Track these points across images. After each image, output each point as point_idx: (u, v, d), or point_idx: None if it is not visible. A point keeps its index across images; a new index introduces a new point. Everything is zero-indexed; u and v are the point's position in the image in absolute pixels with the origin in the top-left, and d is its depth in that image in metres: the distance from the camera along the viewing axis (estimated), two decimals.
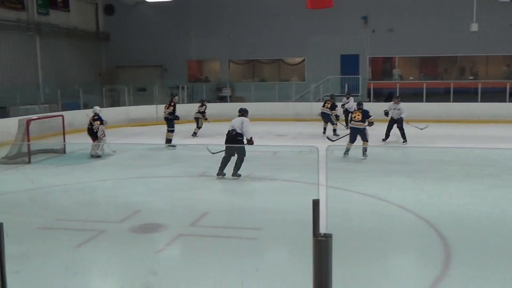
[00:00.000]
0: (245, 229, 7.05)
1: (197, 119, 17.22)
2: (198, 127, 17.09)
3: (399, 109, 14.71)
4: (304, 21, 25.09)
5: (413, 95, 22.53)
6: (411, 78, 25.54)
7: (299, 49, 26.06)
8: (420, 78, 25.10)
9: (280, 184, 9.95)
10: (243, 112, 10.62)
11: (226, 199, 8.96)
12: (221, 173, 9.99)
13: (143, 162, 12.53)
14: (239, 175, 9.97)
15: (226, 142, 10.31)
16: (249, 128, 10.30)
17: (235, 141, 10.12)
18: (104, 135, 13.27)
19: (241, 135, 10.19)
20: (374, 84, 24.38)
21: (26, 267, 5.70)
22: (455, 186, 9.55)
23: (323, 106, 17.05)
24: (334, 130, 16.56)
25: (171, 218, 7.59)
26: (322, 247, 2.15)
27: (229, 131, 10.35)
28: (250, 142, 10.29)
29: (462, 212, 7.81)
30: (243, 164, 10.00)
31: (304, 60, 26.62)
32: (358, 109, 12.82)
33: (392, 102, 15.13)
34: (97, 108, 13.73)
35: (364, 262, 5.81)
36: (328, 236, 2.16)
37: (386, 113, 15.00)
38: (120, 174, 10.99)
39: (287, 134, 17.81)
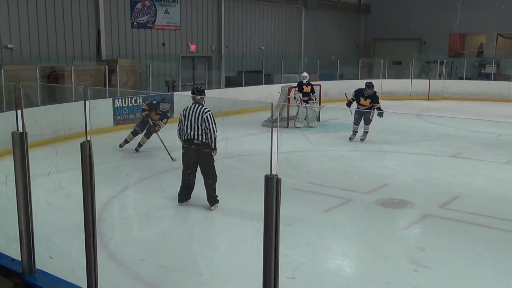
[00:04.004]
0: (501, 220, 6.44)
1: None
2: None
3: None
4: None
5: None
6: None
7: None
8: None
9: None
10: None
11: (481, 184, 8.28)
12: None
13: (393, 136, 12.39)
14: None
15: None
16: None
17: None
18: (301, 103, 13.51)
19: None
20: None
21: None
22: None
23: None
24: None
25: (418, 197, 7.37)
26: None
27: None
28: None
29: None
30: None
31: None
32: None
33: None
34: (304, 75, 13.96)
35: None
36: None
37: None
38: (368, 147, 11.08)
39: None
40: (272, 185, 2.36)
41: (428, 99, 20.83)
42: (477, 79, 22.49)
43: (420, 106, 18.73)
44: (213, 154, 6.61)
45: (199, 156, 6.58)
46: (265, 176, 2.39)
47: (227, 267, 5.04)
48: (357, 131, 11.60)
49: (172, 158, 8.99)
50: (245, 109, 15.62)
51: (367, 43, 28.05)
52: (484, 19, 24.29)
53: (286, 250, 5.11)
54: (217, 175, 6.61)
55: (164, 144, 9.43)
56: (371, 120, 11.50)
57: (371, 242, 5.75)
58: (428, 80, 21.46)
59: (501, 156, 10.08)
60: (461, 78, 22.51)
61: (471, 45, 26.90)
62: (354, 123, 11.65)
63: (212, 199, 6.59)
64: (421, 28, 25.86)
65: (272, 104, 2.96)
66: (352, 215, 6.64)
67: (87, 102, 3.36)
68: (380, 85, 21.21)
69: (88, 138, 2.97)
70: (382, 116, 11.27)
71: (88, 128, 3.17)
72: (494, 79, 22.23)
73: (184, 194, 6.74)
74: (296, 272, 4.71)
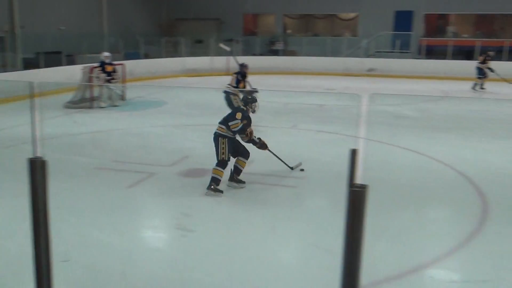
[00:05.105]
0: (288, 178, 6.98)
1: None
2: None
3: None
4: None
5: (466, 53, 21.41)
6: (465, 35, 24.21)
7: (353, 4, 25.12)
8: (475, 36, 23.73)
9: (324, 136, 9.78)
10: None
11: (272, 147, 8.86)
12: None
13: (195, 110, 12.60)
14: None
15: None
16: None
17: None
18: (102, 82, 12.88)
19: None
20: (426, 41, 23.28)
21: (80, 203, 5.90)
22: (499, 144, 9.09)
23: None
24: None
25: None
26: (357, 197, 2.03)
27: None
28: None
29: (504, 170, 7.43)
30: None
31: (357, 15, 25.67)
32: None
33: None
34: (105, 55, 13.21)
35: (400, 214, 5.66)
36: (363, 187, 2.03)
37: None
38: (172, 121, 11.10)
39: (335, 88, 17.39)
40: (36, 169, 2.15)
41: (228, 74, 21.59)
42: (268, 55, 23.98)
43: (220, 81, 19.29)
44: None
45: None
46: (28, 160, 2.16)
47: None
48: None
49: (290, 167, 7.21)
50: (47, 91, 14.41)
51: (169, 23, 27.91)
52: (273, 1, 25.90)
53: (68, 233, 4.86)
54: None
55: (281, 159, 7.27)
56: None
57: (169, 213, 5.75)
58: (227, 57, 22.21)
59: (288, 122, 10.91)
60: (255, 55, 23.79)
61: (262, 24, 28.50)
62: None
63: None
64: (218, 9, 26.60)
65: (31, 84, 2.57)
66: (155, 188, 6.58)
67: None
68: (183, 63, 21.39)
69: None
70: None
71: None
72: (283, 55, 23.96)
73: None
74: (74, 253, 4.51)
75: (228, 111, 7.60)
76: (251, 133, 6.64)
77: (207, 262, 4.45)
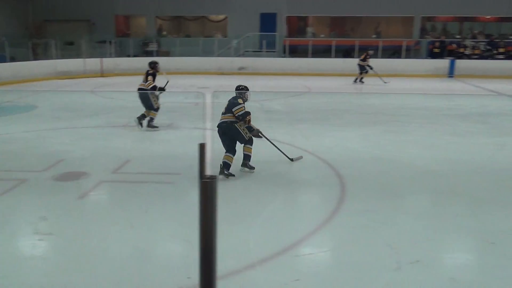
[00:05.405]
0: (165, 175, 6.92)
1: None
2: None
3: None
4: None
5: (324, 51, 22.84)
6: (322, 35, 25.78)
7: (221, 6, 25.45)
8: (330, 36, 25.39)
9: (199, 132, 9.83)
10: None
11: (147, 147, 8.72)
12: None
13: (68, 113, 11.91)
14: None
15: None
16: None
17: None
18: None
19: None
20: (289, 41, 24.41)
21: None
22: (355, 131, 9.85)
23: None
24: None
25: (94, 166, 7.28)
26: (208, 188, 2.07)
27: None
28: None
29: (358, 154, 8.09)
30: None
31: (226, 17, 26.06)
32: None
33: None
34: None
35: (270, 200, 5.89)
36: (213, 178, 2.08)
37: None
38: (44, 126, 10.38)
39: (209, 86, 17.54)
40: None
41: (102, 76, 20.73)
42: (142, 56, 23.39)
43: (94, 83, 18.48)
44: None
45: None
46: None
47: None
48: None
49: (290, 159, 7.44)
50: None
51: (37, 24, 25.94)
52: (142, 2, 25.29)
53: None
54: None
55: (278, 147, 7.43)
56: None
57: (33, 218, 5.37)
58: (100, 59, 21.29)
59: (166, 120, 10.76)
60: (129, 56, 23.08)
61: (135, 25, 27.70)
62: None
63: None
64: (88, 10, 25.33)
65: None
66: (28, 195, 6.11)
67: None
68: (55, 65, 20.05)
69: None
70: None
71: None
72: (157, 55, 23.51)
73: None
74: None
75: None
76: (249, 120, 6.73)
77: (66, 264, 4.27)
